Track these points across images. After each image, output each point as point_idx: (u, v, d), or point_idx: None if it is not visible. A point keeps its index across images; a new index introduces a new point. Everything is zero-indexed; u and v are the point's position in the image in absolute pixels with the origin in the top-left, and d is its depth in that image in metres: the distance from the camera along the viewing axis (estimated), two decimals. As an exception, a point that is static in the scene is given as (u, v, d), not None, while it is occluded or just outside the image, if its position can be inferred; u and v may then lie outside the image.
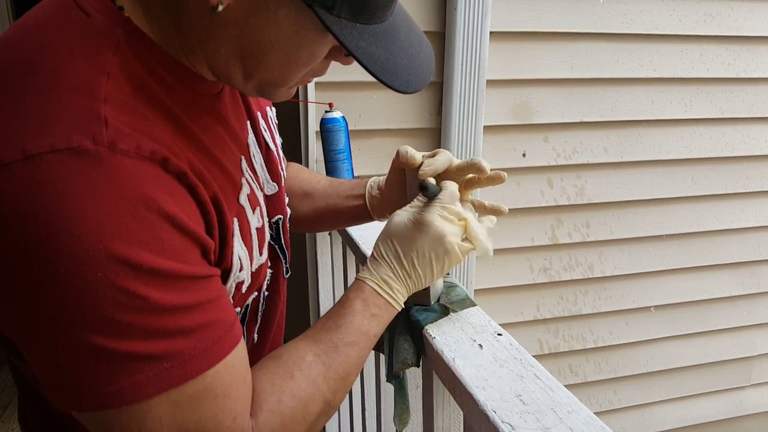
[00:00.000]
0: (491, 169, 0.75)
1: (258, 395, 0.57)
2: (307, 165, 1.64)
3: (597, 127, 1.92)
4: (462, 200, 0.82)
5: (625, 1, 1.82)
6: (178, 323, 0.48)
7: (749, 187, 2.14)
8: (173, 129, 0.52)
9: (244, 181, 0.63)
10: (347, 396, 1.38)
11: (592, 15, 1.80)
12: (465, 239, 0.71)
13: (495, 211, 0.80)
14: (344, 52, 0.58)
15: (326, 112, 1.44)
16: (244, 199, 0.62)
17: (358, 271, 1.22)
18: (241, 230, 0.59)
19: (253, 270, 0.63)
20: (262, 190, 0.71)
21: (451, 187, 0.71)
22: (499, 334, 0.75)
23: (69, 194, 0.42)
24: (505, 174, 0.77)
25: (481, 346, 0.72)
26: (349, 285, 1.37)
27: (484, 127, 1.75)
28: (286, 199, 0.80)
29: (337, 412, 1.58)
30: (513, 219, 1.91)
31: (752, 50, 2.00)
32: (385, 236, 0.70)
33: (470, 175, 0.78)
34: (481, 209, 0.81)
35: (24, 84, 0.46)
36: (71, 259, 0.43)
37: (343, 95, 1.63)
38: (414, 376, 0.99)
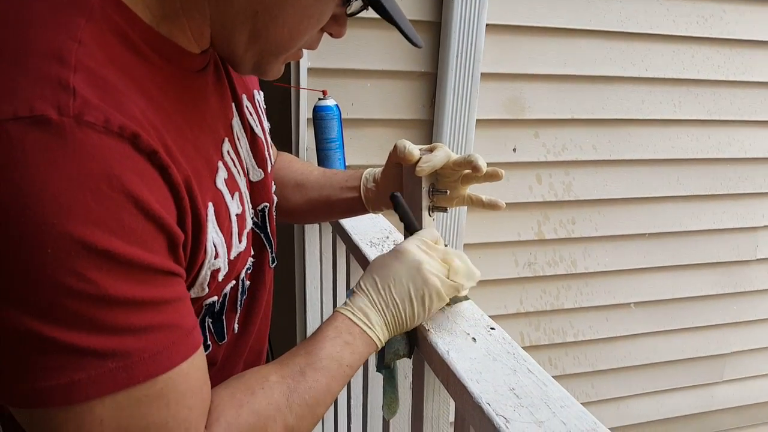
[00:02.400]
0: (488, 165, 0.76)
1: (216, 408, 0.54)
2: (297, 153, 1.63)
3: (587, 124, 1.94)
4: (459, 195, 0.82)
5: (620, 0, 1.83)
6: (129, 320, 0.44)
7: (731, 189, 2.18)
8: (146, 104, 0.48)
9: (221, 164, 0.61)
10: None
11: (587, 12, 1.81)
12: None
13: (492, 206, 0.81)
14: (340, 21, 0.59)
15: (319, 99, 1.43)
16: (221, 183, 0.59)
17: (348, 262, 1.23)
18: (217, 216, 0.56)
19: (231, 258, 0.60)
20: (246, 175, 0.69)
21: (433, 230, 0.72)
22: (492, 328, 0.76)
23: (26, 165, 0.40)
24: (503, 171, 0.78)
25: (474, 339, 0.73)
26: (337, 276, 1.38)
27: (477, 120, 1.76)
28: (273, 187, 0.78)
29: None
30: (501, 213, 1.92)
31: (742, 54, 2.02)
32: (367, 271, 0.71)
33: (467, 171, 0.79)
34: (479, 204, 0.82)
35: None
36: (21, 234, 0.40)
37: (336, 83, 1.62)
38: (403, 367, 1.00)
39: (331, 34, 0.62)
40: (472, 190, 0.84)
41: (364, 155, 1.72)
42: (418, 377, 0.83)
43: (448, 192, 0.78)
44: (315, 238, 1.61)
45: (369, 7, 0.58)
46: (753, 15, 1.99)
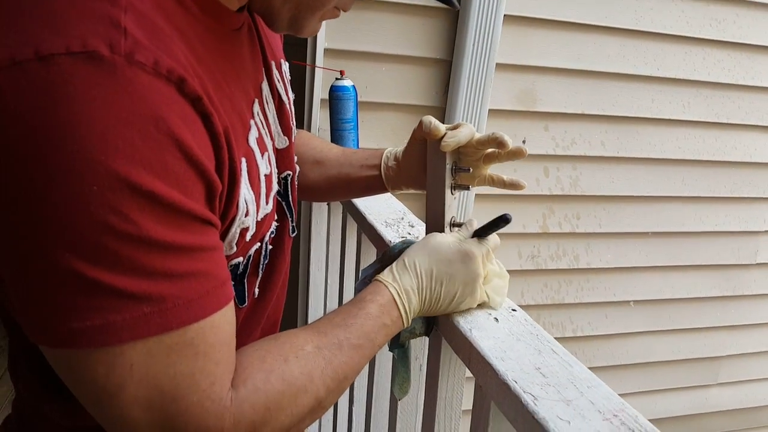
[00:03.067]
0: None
1: (244, 369, 0.53)
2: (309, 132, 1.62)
3: (597, 120, 1.94)
4: (481, 174, 0.82)
5: (636, -3, 1.83)
6: (166, 264, 0.44)
7: (735, 192, 2.19)
8: (189, 52, 0.48)
9: (253, 123, 0.61)
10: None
11: (603, 8, 1.81)
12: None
13: (514, 185, 0.81)
14: None
15: (336, 79, 1.42)
16: (253, 141, 0.59)
17: (359, 242, 1.22)
18: (249, 173, 0.56)
19: (259, 219, 0.60)
20: (272, 139, 0.69)
21: (496, 238, 0.73)
22: (514, 310, 0.76)
23: (77, 99, 0.40)
24: (526, 149, 0.78)
25: (497, 319, 0.73)
26: (345, 257, 1.37)
27: (489, 110, 1.76)
28: (296, 157, 0.78)
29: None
30: (507, 205, 1.92)
31: (752, 58, 2.03)
32: (422, 249, 0.70)
33: (490, 150, 0.78)
34: (500, 183, 0.82)
35: None
36: (68, 167, 0.40)
37: (352, 65, 1.61)
38: (414, 349, 1.00)
39: None
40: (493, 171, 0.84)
41: (376, 138, 1.71)
42: (434, 357, 0.82)
43: (471, 170, 0.78)
44: (323, 218, 1.61)
45: None
46: (766, 21, 1.99)
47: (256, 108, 0.63)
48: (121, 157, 0.41)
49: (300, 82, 1.63)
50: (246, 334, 0.71)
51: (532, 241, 2.01)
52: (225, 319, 0.50)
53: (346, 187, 0.94)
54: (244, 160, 0.55)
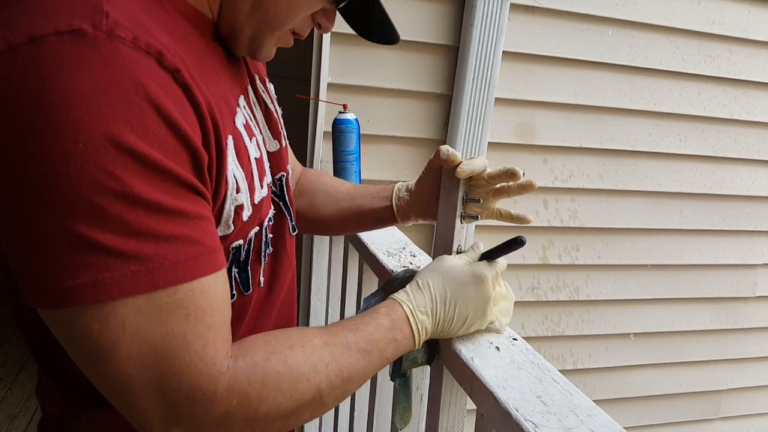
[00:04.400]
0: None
1: (246, 347, 0.55)
2: (312, 165, 1.65)
3: (595, 153, 1.97)
4: (489, 207, 0.84)
5: (632, 35, 1.88)
6: (152, 224, 0.47)
7: (732, 225, 2.21)
8: (172, 42, 0.52)
9: (239, 110, 0.63)
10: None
11: (600, 45, 1.86)
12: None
13: (521, 220, 0.83)
14: (329, 15, 0.66)
15: (340, 112, 1.45)
16: (240, 125, 0.62)
17: (360, 273, 1.24)
18: (237, 151, 0.58)
19: (255, 202, 0.62)
20: (263, 139, 0.71)
21: (504, 261, 0.76)
22: (515, 339, 0.77)
23: (63, 69, 0.44)
24: (536, 182, 0.80)
25: (498, 348, 0.74)
26: (347, 288, 1.38)
27: (488, 143, 1.79)
28: (288, 159, 0.81)
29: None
30: (507, 236, 1.93)
31: (747, 94, 2.07)
32: (435, 271, 0.72)
33: (500, 185, 0.81)
34: (507, 217, 0.84)
35: None
36: (56, 127, 0.44)
37: (354, 99, 1.65)
38: (415, 378, 1.01)
39: (318, 26, 0.67)
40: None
41: (378, 171, 1.74)
42: (435, 386, 0.83)
43: (481, 201, 0.81)
44: (324, 249, 1.62)
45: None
46: (759, 57, 2.04)
47: (242, 102, 0.67)
48: (103, 116, 0.45)
49: (304, 116, 1.67)
50: (258, 328, 0.72)
51: (532, 272, 2.02)
52: (216, 285, 0.52)
53: (357, 219, 0.96)
54: (230, 137, 0.58)
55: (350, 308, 1.38)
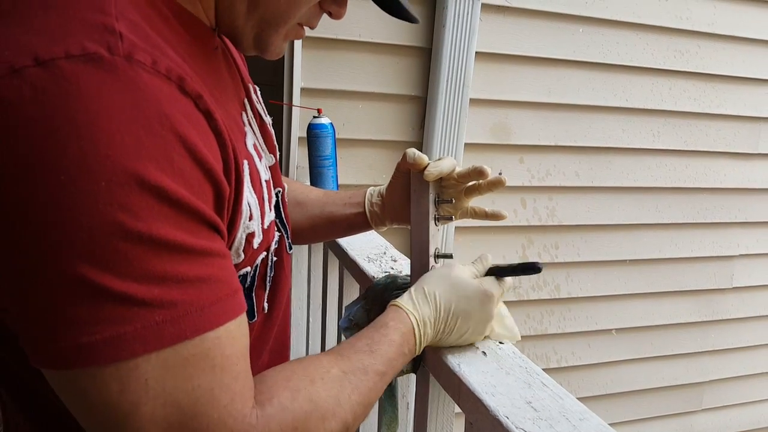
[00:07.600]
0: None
1: (269, 387, 0.51)
2: (287, 171, 1.62)
3: (570, 151, 1.98)
4: (463, 207, 0.83)
5: (602, 33, 1.89)
6: (176, 268, 0.42)
7: (708, 218, 2.24)
8: (180, 59, 0.48)
9: (246, 129, 0.61)
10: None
11: (571, 43, 1.86)
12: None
13: (495, 216, 0.81)
14: (339, 1, 0.60)
15: (314, 117, 1.43)
16: (250, 146, 0.59)
17: (341, 279, 1.21)
18: (251, 175, 0.55)
19: (265, 226, 0.59)
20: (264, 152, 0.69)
21: (510, 280, 0.74)
22: (501, 343, 0.75)
23: (80, 98, 0.39)
24: (505, 178, 0.79)
25: (485, 353, 0.72)
26: (327, 295, 1.36)
27: (465, 144, 1.78)
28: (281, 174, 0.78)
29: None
30: (486, 237, 1.93)
31: (716, 88, 2.10)
32: (444, 281, 0.70)
33: (471, 183, 0.79)
34: (482, 215, 0.83)
35: (33, 2, 0.44)
36: (74, 164, 0.39)
37: (329, 103, 1.63)
38: (401, 387, 0.99)
39: (329, 14, 0.62)
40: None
41: (355, 175, 1.72)
42: (422, 394, 0.81)
43: (453, 201, 0.79)
44: (303, 256, 1.59)
45: None
46: (725, 51, 2.07)
47: (245, 118, 0.64)
48: (127, 151, 0.40)
49: (277, 121, 1.63)
50: (254, 356, 0.69)
51: (513, 272, 2.02)
52: (240, 331, 0.48)
53: (329, 226, 0.93)
54: (245, 162, 0.54)
55: (331, 316, 1.35)
